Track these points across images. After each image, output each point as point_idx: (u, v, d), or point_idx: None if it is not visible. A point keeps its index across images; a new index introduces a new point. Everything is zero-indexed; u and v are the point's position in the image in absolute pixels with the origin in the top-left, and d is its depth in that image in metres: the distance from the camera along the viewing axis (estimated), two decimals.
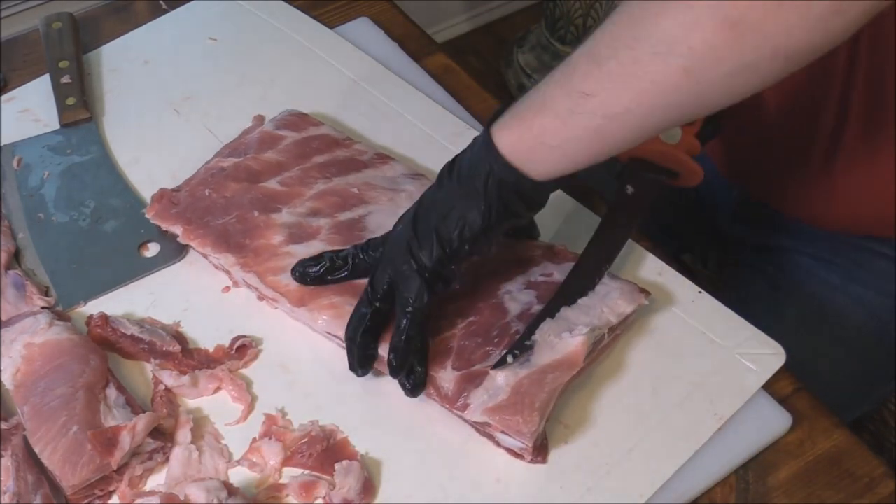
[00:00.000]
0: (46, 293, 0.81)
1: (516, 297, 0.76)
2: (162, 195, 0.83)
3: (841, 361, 0.97)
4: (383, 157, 0.87)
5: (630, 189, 0.80)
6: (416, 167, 0.89)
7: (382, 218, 0.81)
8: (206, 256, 0.82)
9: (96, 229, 0.86)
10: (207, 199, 0.83)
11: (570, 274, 0.77)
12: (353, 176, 0.85)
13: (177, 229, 0.81)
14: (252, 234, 0.80)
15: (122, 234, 0.84)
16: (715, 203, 1.08)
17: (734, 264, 1.09)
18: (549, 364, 0.71)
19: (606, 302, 0.74)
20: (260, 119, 0.92)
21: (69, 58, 0.98)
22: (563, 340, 0.71)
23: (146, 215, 0.83)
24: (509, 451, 0.71)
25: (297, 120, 0.90)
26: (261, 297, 0.80)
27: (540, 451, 0.70)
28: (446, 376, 0.72)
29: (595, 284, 0.76)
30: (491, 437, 0.71)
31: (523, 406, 0.68)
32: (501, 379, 0.70)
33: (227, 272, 0.81)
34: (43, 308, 0.78)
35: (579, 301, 0.75)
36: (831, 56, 0.65)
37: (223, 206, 0.82)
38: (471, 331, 0.74)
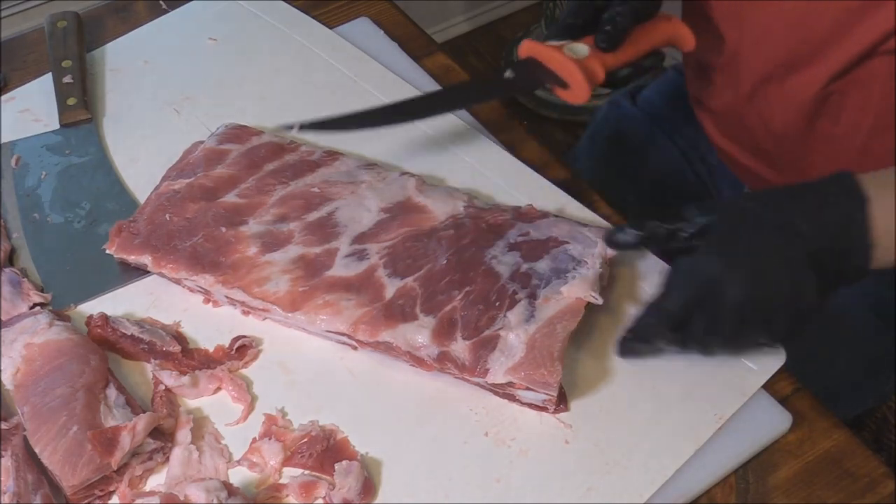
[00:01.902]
0: (42, 291, 0.80)
1: (503, 260, 0.78)
2: (119, 228, 0.81)
3: (843, 356, 0.97)
4: (333, 154, 0.88)
5: (509, 74, 0.82)
6: (416, 168, 0.89)
7: (350, 211, 0.82)
8: (179, 282, 0.80)
9: (91, 232, 0.86)
10: (169, 223, 0.81)
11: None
12: (310, 177, 0.85)
13: (145, 259, 0.80)
14: (225, 251, 0.79)
15: None
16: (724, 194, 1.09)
17: None
18: (555, 315, 0.73)
19: (589, 250, 0.77)
20: (197, 144, 0.90)
21: (73, 57, 0.98)
22: (562, 293, 0.74)
23: (108, 251, 0.81)
24: (531, 405, 0.72)
25: (237, 132, 0.90)
26: (246, 312, 0.79)
27: (561, 399, 0.72)
28: (459, 347, 0.73)
29: None
30: (511, 397, 0.73)
31: (543, 359, 0.71)
32: (514, 338, 0.72)
33: (206, 292, 0.80)
34: (39, 305, 0.78)
35: (569, 250, 0.78)
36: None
37: (187, 228, 0.81)
38: (470, 300, 0.75)
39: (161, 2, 1.09)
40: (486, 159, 0.90)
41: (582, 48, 0.82)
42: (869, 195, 0.69)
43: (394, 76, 0.98)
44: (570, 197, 0.87)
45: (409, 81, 0.98)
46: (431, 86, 0.98)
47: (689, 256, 0.71)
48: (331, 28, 1.05)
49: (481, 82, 0.83)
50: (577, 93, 0.83)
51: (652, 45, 0.84)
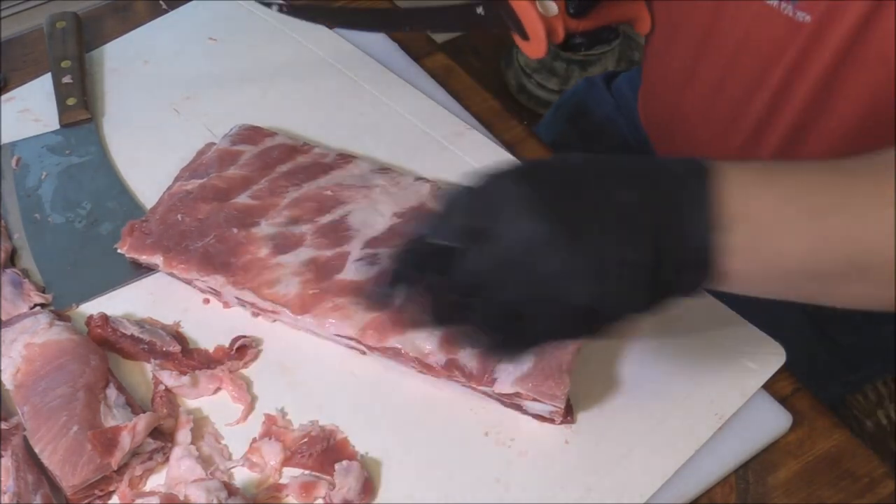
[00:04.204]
0: (44, 291, 0.81)
1: None
2: (132, 228, 0.81)
3: (837, 357, 0.97)
4: (346, 157, 0.87)
5: (481, 10, 0.85)
6: (416, 168, 0.89)
7: (363, 215, 0.82)
8: (190, 282, 0.80)
9: (91, 231, 0.86)
10: (181, 223, 0.81)
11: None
12: (323, 179, 0.85)
13: (156, 259, 0.80)
14: (236, 252, 0.79)
15: (117, 237, 0.82)
16: None
17: None
18: None
19: None
20: (210, 145, 0.90)
21: (72, 57, 0.98)
22: None
23: (119, 250, 0.81)
24: (537, 416, 0.72)
25: (251, 133, 0.90)
26: (256, 313, 0.79)
27: (568, 412, 0.71)
28: (466, 356, 0.72)
29: None
30: (518, 407, 0.72)
31: (551, 370, 0.70)
32: None
33: (216, 293, 0.80)
34: (41, 305, 0.78)
35: None
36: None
37: (199, 229, 0.81)
38: None
39: (161, 2, 1.08)
40: (486, 159, 0.90)
41: (552, 6, 0.84)
42: (722, 171, 0.54)
43: (394, 76, 0.98)
44: None
45: (409, 81, 0.98)
46: (431, 86, 0.98)
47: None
48: (331, 28, 1.04)
49: (453, 12, 0.87)
50: (535, 47, 0.85)
51: (613, 20, 0.87)
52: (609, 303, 0.53)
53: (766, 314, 0.80)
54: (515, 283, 0.52)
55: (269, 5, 0.82)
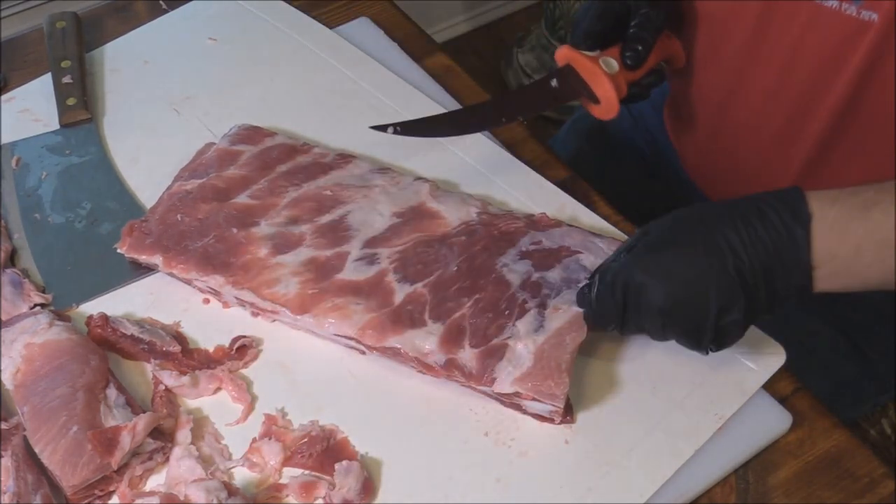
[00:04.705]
0: (44, 291, 0.81)
1: (514, 268, 0.77)
2: (132, 228, 0.81)
3: (811, 379, 0.97)
4: (345, 157, 0.87)
5: (555, 83, 0.84)
6: (416, 168, 0.89)
7: (363, 215, 0.82)
8: (189, 282, 0.80)
9: (91, 231, 0.86)
10: (180, 223, 0.81)
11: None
12: (322, 179, 0.85)
13: (156, 259, 0.80)
14: (235, 252, 0.79)
15: (117, 237, 0.82)
16: None
17: None
18: (563, 326, 0.73)
19: (601, 261, 0.77)
20: (210, 145, 0.90)
21: (72, 57, 0.98)
22: (572, 307, 0.74)
23: (119, 250, 0.81)
24: (537, 416, 0.72)
25: (250, 133, 0.90)
26: (255, 313, 0.79)
27: (567, 411, 0.71)
28: (466, 355, 0.72)
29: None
30: (518, 407, 0.73)
31: (550, 370, 0.70)
32: (522, 348, 0.72)
33: (216, 293, 0.80)
34: (41, 305, 0.78)
35: (581, 260, 0.77)
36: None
37: (198, 229, 0.81)
38: (479, 308, 0.75)
39: (161, 2, 1.09)
40: (485, 159, 0.90)
41: (613, 63, 0.83)
42: (814, 213, 0.65)
43: (394, 76, 0.98)
44: (570, 197, 0.87)
45: (409, 81, 0.98)
46: (432, 86, 0.98)
47: (617, 263, 0.70)
48: (331, 28, 1.05)
49: (533, 92, 0.87)
50: (606, 108, 0.84)
51: (656, 61, 0.86)
52: (716, 344, 0.69)
53: (802, 335, 0.79)
54: (651, 333, 0.72)
55: (384, 129, 0.84)
